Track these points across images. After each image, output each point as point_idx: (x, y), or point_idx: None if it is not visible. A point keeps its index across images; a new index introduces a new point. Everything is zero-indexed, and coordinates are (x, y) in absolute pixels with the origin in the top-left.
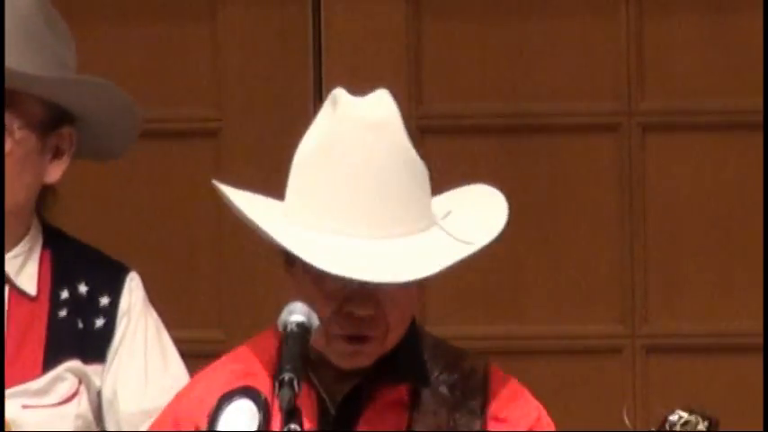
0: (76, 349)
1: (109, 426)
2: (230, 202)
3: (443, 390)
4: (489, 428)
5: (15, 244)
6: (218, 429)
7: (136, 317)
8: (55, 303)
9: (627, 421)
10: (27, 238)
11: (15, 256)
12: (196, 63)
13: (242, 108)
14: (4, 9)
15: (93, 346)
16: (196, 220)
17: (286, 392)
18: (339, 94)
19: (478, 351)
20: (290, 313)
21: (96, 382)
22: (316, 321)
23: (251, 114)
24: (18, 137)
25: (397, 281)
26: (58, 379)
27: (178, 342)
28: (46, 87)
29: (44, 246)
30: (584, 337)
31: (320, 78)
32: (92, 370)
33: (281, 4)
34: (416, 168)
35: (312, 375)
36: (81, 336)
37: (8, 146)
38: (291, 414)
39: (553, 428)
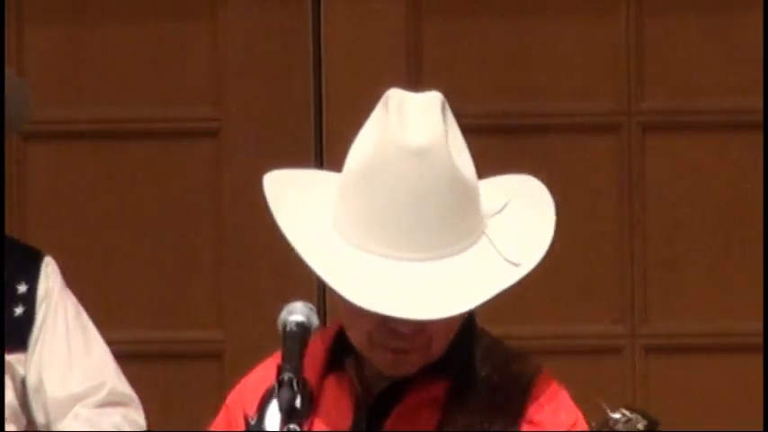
0: None
1: (36, 412)
2: (272, 211)
3: (485, 391)
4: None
5: None
6: (266, 419)
7: (55, 302)
8: None
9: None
10: None
11: None
12: (196, 63)
13: (242, 108)
14: (4, 9)
15: (14, 335)
16: (196, 220)
17: (285, 393)
18: (392, 95)
19: None
20: (290, 313)
21: (20, 370)
22: (315, 321)
23: (251, 114)
24: None
25: (430, 317)
26: None
27: (178, 342)
28: None
29: None
30: (584, 337)
31: (320, 78)
32: (14, 359)
33: (281, 4)
34: (462, 188)
35: (351, 369)
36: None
37: None
38: (291, 414)
39: None
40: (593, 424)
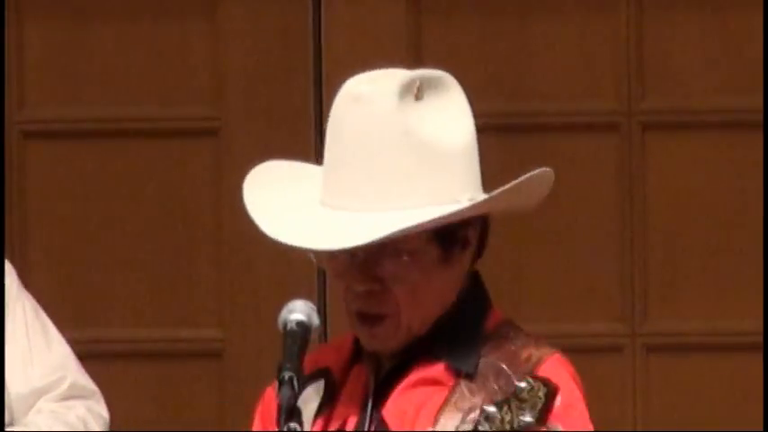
0: None
1: None
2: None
3: (490, 374)
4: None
5: None
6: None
7: (13, 301)
8: None
9: None
10: None
11: None
12: (196, 62)
13: (242, 108)
14: (3, 11)
15: None
16: (196, 220)
17: (286, 391)
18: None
19: None
20: (290, 312)
21: None
22: (316, 320)
23: (251, 114)
24: None
25: (327, 248)
26: None
27: (178, 342)
28: None
29: None
30: (584, 337)
31: (320, 78)
32: None
33: (282, 3)
34: (408, 141)
35: (368, 359)
36: None
37: None
38: (291, 413)
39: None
40: (500, 396)
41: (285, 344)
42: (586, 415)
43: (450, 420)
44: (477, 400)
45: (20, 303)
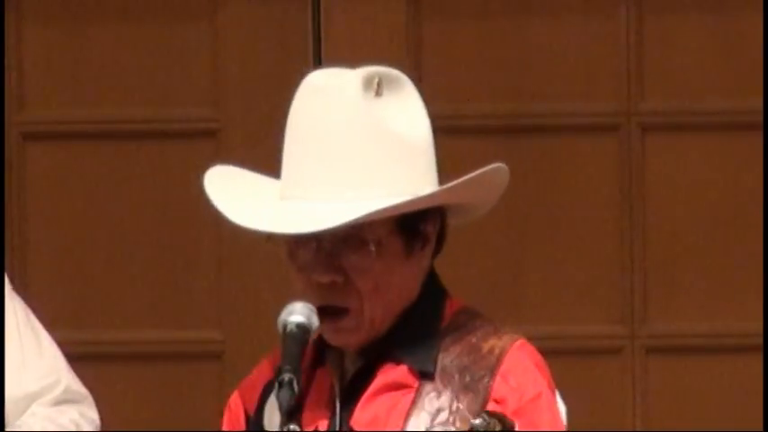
0: None
1: None
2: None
3: (454, 372)
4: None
5: None
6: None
7: (4, 305)
8: None
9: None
10: None
11: None
12: (196, 63)
13: (242, 108)
14: (3, 11)
15: None
16: (196, 221)
17: (285, 393)
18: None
19: None
20: (290, 313)
21: None
22: (316, 322)
23: (249, 114)
24: None
25: (300, 231)
26: None
27: (178, 342)
28: None
29: None
30: (584, 338)
31: None
32: None
33: (281, 4)
34: (373, 133)
35: (332, 362)
36: None
37: None
38: (291, 414)
39: (552, 410)
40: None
41: (285, 346)
42: (554, 403)
43: (419, 423)
44: (445, 399)
45: (11, 306)
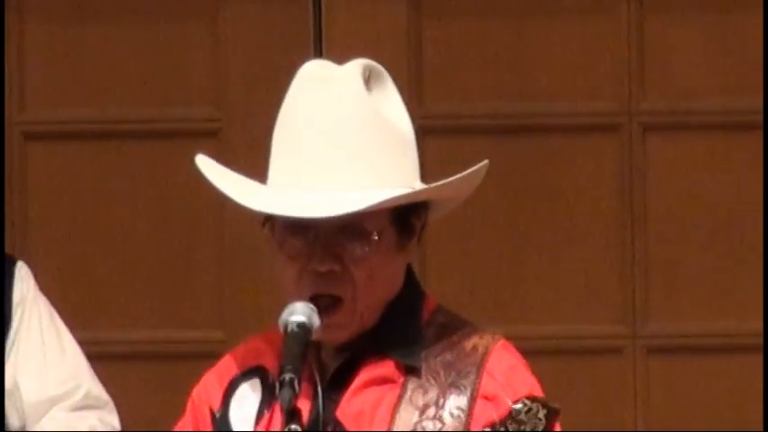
0: None
1: (10, 416)
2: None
3: (439, 368)
4: (477, 407)
5: None
6: (231, 409)
7: (29, 306)
8: None
9: None
10: None
11: None
12: (196, 63)
13: (242, 108)
14: (3, 11)
15: None
16: (196, 220)
17: (287, 393)
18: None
19: None
20: (291, 313)
21: None
22: (317, 321)
23: (250, 114)
24: None
25: (310, 215)
26: None
27: (178, 342)
28: None
29: None
30: (584, 337)
31: None
32: None
33: (282, 4)
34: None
35: (310, 355)
36: None
37: None
38: (292, 414)
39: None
40: (497, 420)
41: (286, 345)
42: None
43: (407, 418)
44: (432, 395)
45: (36, 308)
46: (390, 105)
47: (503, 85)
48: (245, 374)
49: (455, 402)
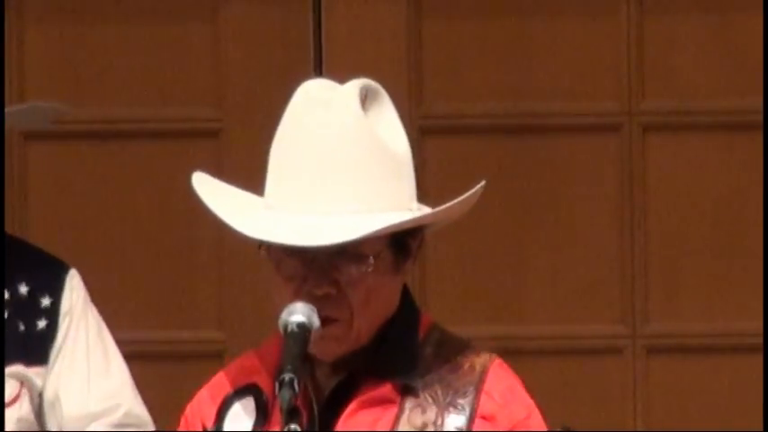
0: (19, 352)
1: (50, 427)
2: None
3: (437, 388)
4: (475, 427)
5: None
6: (224, 427)
7: (77, 317)
8: None
9: None
10: None
11: None
12: (196, 63)
13: (242, 108)
14: (3, 11)
15: (36, 349)
16: (196, 220)
17: (286, 393)
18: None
19: None
20: (291, 313)
21: (39, 383)
22: (316, 322)
23: (251, 114)
24: None
25: (304, 243)
26: None
27: (178, 342)
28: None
29: None
30: (584, 337)
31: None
32: (34, 372)
33: (282, 4)
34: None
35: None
36: (23, 338)
37: None
38: (292, 414)
39: (543, 429)
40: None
41: (285, 345)
42: (543, 423)
43: None
44: (430, 414)
45: (84, 321)
46: (386, 126)
47: (503, 85)
48: (239, 392)
49: (454, 422)
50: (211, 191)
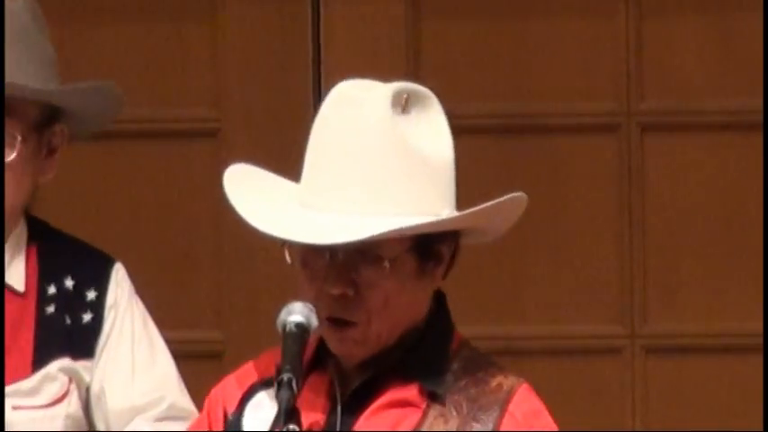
0: (65, 346)
1: (97, 421)
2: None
3: (462, 400)
4: None
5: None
6: (245, 413)
7: (122, 310)
8: (42, 299)
9: None
10: (14, 233)
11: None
12: (196, 63)
13: (242, 108)
14: (3, 11)
15: (82, 342)
16: (196, 220)
17: (285, 393)
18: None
19: None
20: (289, 313)
21: (86, 377)
22: (315, 322)
23: (251, 114)
24: (21, 143)
25: (316, 242)
26: (49, 379)
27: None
28: (54, 97)
29: (30, 240)
30: (583, 337)
31: (320, 78)
32: (81, 366)
33: (281, 4)
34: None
35: (332, 368)
36: (69, 332)
37: (14, 154)
38: (290, 414)
39: None
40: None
41: (284, 345)
42: None
43: None
44: (453, 425)
45: (129, 314)
46: (427, 130)
47: (502, 85)
48: (265, 383)
49: None
50: (239, 185)
